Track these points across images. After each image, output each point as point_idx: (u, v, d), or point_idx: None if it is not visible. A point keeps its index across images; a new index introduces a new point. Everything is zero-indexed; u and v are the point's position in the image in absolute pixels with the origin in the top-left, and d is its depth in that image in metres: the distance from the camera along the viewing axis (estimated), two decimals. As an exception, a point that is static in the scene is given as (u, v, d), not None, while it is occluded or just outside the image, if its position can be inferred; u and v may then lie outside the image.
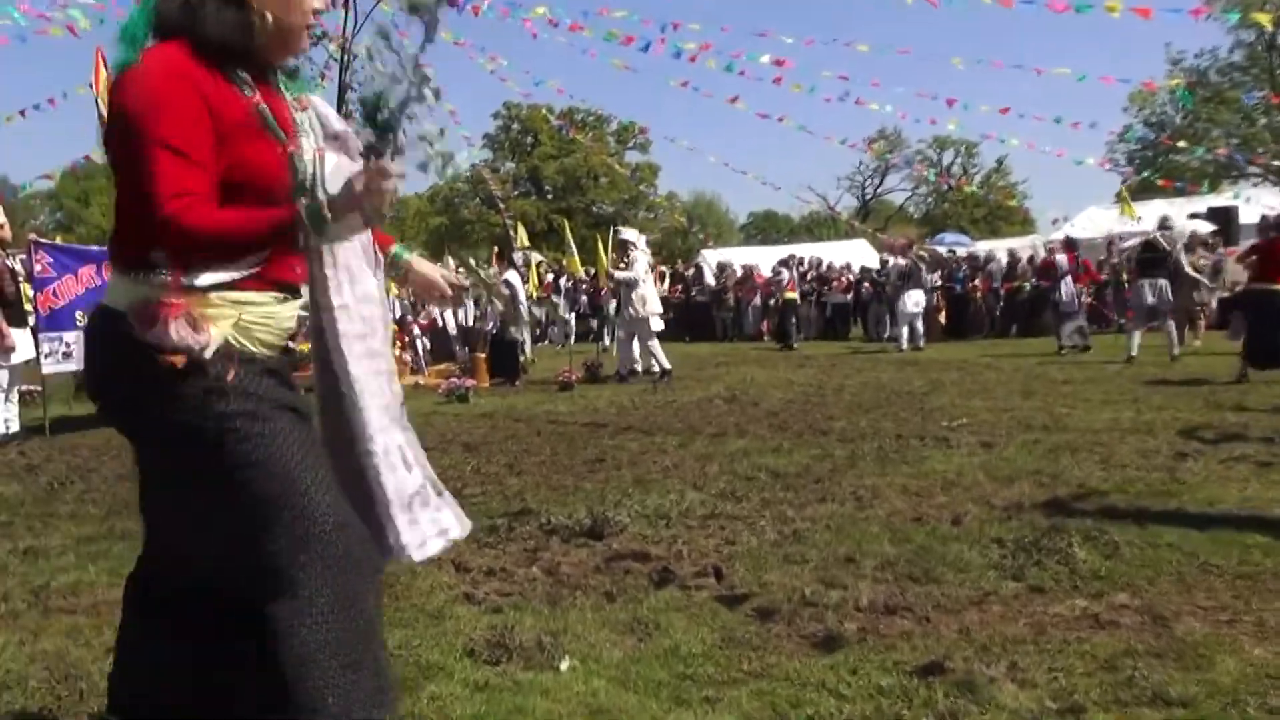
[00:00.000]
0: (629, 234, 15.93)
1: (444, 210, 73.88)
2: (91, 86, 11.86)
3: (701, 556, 5.06)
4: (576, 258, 18.49)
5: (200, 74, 2.39)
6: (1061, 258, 19.13)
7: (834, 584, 4.54)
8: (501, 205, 30.20)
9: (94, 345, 2.55)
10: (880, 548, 5.08)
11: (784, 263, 28.44)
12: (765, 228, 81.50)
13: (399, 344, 16.96)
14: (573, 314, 25.69)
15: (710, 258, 32.56)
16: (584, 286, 29.29)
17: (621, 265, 15.61)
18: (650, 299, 15.11)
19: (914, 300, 20.66)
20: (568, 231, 18.55)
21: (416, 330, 18.80)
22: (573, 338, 24.42)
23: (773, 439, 8.78)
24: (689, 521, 5.80)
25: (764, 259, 30.64)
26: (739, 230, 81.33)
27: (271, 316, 2.61)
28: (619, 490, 6.72)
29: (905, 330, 20.14)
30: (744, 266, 28.58)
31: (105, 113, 8.51)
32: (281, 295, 2.63)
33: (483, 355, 16.21)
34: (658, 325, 15.23)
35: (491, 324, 16.49)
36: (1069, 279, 18.64)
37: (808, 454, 7.93)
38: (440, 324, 19.78)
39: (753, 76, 15.87)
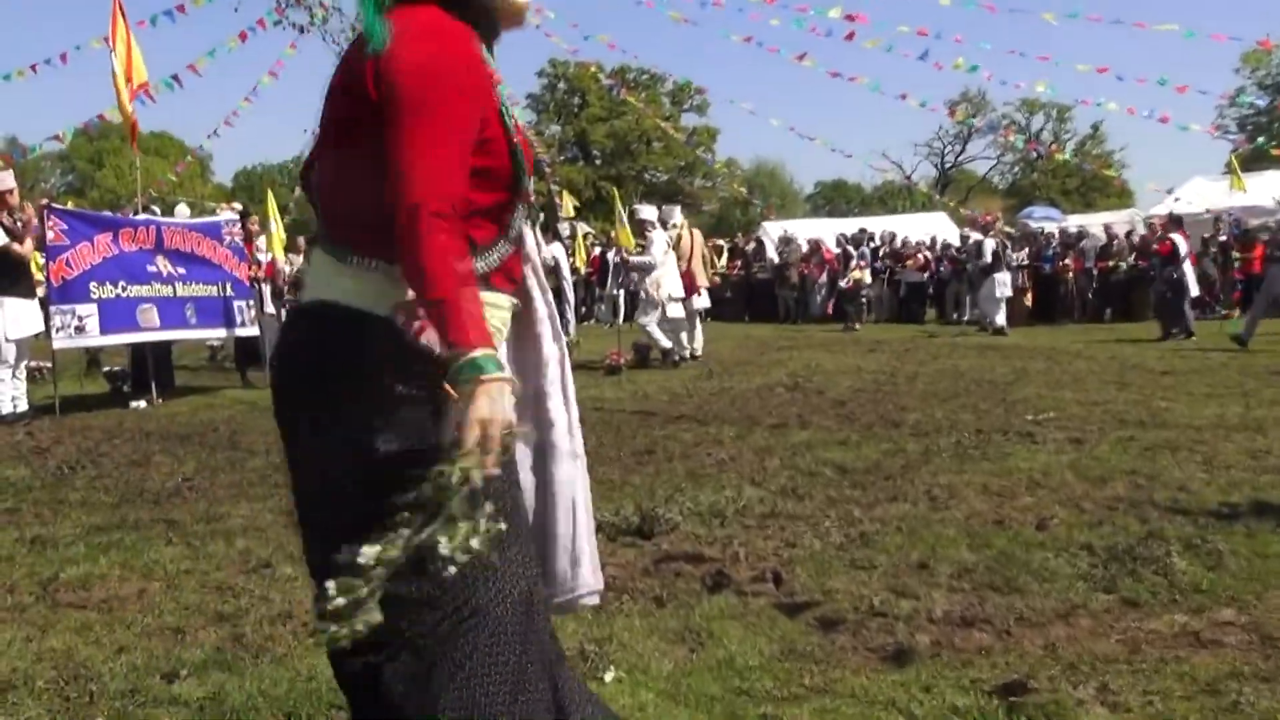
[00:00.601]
0: (647, 211, 15.77)
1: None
2: (107, 40, 12.02)
3: (760, 559, 5.05)
4: (627, 229, 18.32)
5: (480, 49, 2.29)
6: (1178, 238, 18.76)
7: (905, 593, 4.51)
8: (546, 171, 30.13)
9: (327, 348, 2.27)
10: (957, 553, 5.05)
11: (853, 238, 28.29)
12: (833, 198, 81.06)
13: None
14: (621, 290, 25.60)
15: (772, 231, 32.47)
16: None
17: (638, 248, 15.60)
18: (666, 282, 15.02)
19: (1001, 282, 20.47)
20: (618, 200, 18.41)
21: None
22: (621, 316, 24.38)
23: (839, 431, 8.74)
24: (746, 520, 5.80)
25: (831, 232, 30.46)
26: (804, 201, 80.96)
27: (506, 325, 2.47)
28: (670, 485, 6.72)
29: (1001, 311, 20.13)
30: (809, 241, 28.44)
31: (120, 69, 8.58)
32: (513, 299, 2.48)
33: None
34: (675, 311, 15.12)
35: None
36: (1188, 260, 18.43)
37: (877, 448, 7.88)
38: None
39: (822, 32, 15.67)
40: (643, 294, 15.22)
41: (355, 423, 2.18)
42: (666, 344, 14.92)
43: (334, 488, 2.21)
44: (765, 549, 5.23)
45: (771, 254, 29.25)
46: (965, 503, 6.08)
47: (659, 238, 15.17)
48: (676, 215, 16.59)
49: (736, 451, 7.92)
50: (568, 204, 21.37)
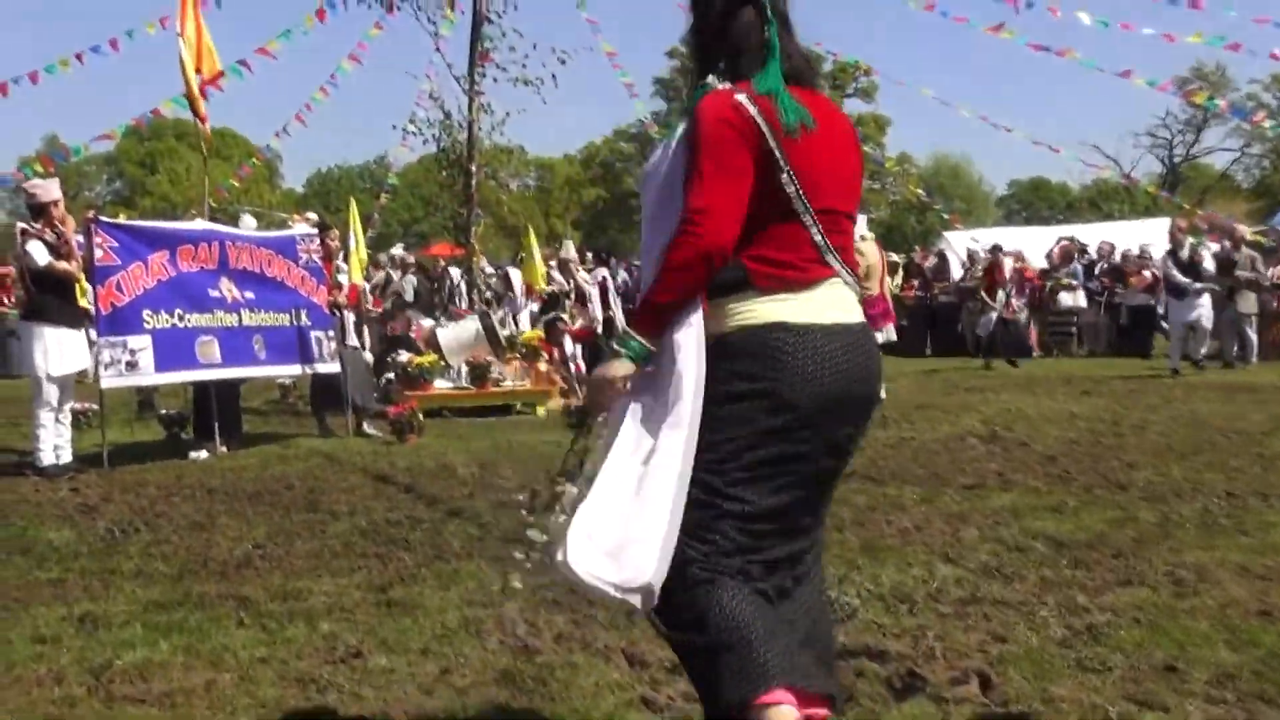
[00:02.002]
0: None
1: (602, 178, 75.02)
2: (162, 23, 12.40)
3: (960, 656, 4.98)
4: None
5: None
6: None
7: (1149, 702, 4.41)
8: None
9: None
10: (1213, 653, 4.92)
11: (1063, 252, 27.78)
12: (1032, 201, 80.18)
13: (547, 356, 17.27)
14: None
15: (956, 242, 31.99)
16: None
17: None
18: None
19: (1246, 304, 19.97)
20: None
21: (570, 343, 19.06)
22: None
23: (1050, 494, 8.59)
24: (941, 607, 5.73)
25: (1031, 243, 29.94)
26: (995, 205, 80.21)
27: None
28: (843, 561, 6.69)
29: (1197, 342, 19.60)
30: (1005, 253, 28.04)
31: (189, 58, 8.88)
32: None
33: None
34: None
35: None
36: None
37: (1101, 516, 7.73)
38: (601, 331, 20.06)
39: (1023, -3, 15.51)
40: None
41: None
42: None
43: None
44: (966, 643, 5.15)
45: (956, 270, 28.86)
46: (1219, 587, 5.92)
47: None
48: (862, 224, 16.59)
49: (923, 518, 7.83)
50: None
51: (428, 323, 17.45)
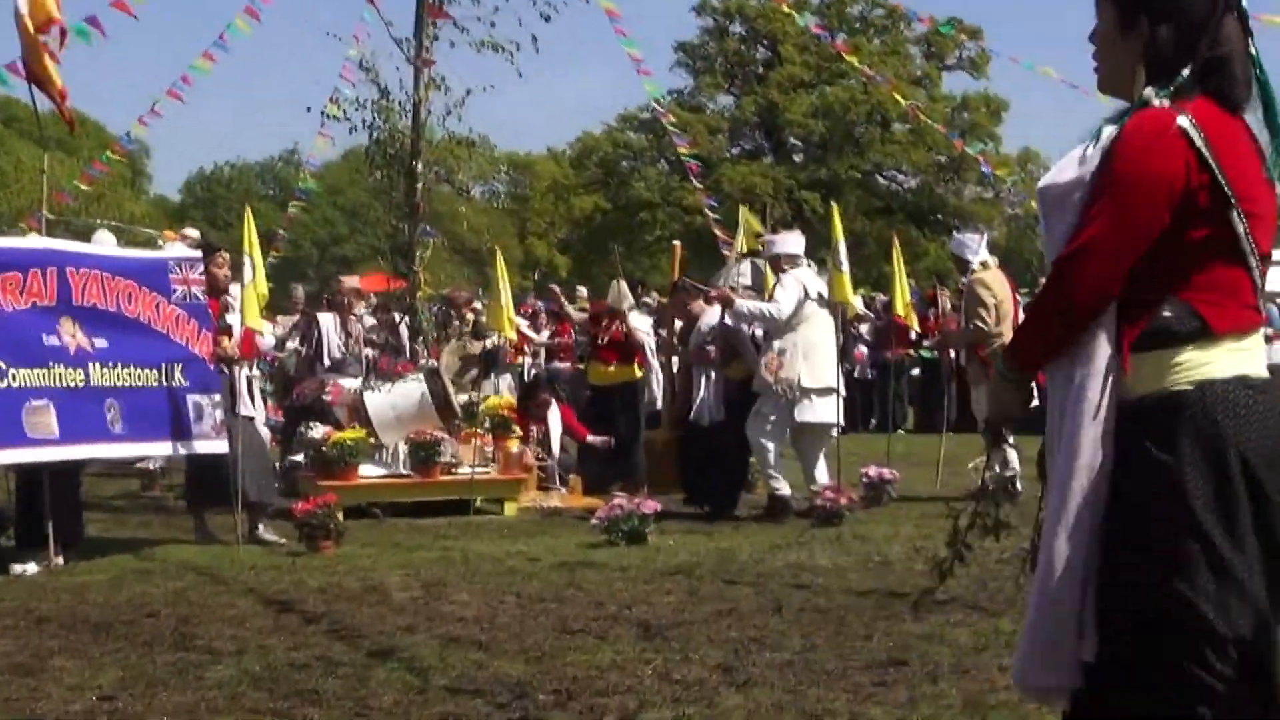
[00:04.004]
0: (789, 243, 16.09)
1: (602, 182, 75.12)
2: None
3: None
4: (846, 274, 17.83)
5: None
6: None
7: None
8: (695, 174, 30.06)
9: None
10: None
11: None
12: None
13: (521, 433, 17.21)
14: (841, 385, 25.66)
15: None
16: (869, 325, 29.54)
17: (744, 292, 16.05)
18: (798, 358, 14.97)
19: None
20: (837, 222, 18.19)
21: (555, 413, 18.92)
22: (839, 423, 24.18)
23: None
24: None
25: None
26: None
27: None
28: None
29: None
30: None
31: (23, 4, 8.90)
32: None
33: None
34: (818, 414, 15.15)
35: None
36: None
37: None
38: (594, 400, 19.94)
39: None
40: (762, 380, 15.16)
41: None
42: (780, 484, 15.14)
43: None
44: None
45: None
46: None
47: (792, 284, 15.29)
48: (980, 249, 16.69)
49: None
50: (746, 231, 21.19)
51: (350, 383, 17.23)
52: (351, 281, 22.29)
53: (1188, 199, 3.82)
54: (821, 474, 15.38)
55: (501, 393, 20.23)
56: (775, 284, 15.72)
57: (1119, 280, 3.84)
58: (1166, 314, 3.83)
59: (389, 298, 21.04)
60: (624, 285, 19.84)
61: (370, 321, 21.29)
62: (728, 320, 15.61)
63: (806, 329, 15.29)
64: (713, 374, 15.89)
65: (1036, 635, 4.10)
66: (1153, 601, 3.82)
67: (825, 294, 15.67)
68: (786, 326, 15.10)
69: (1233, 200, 3.80)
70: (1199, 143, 3.77)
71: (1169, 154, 3.75)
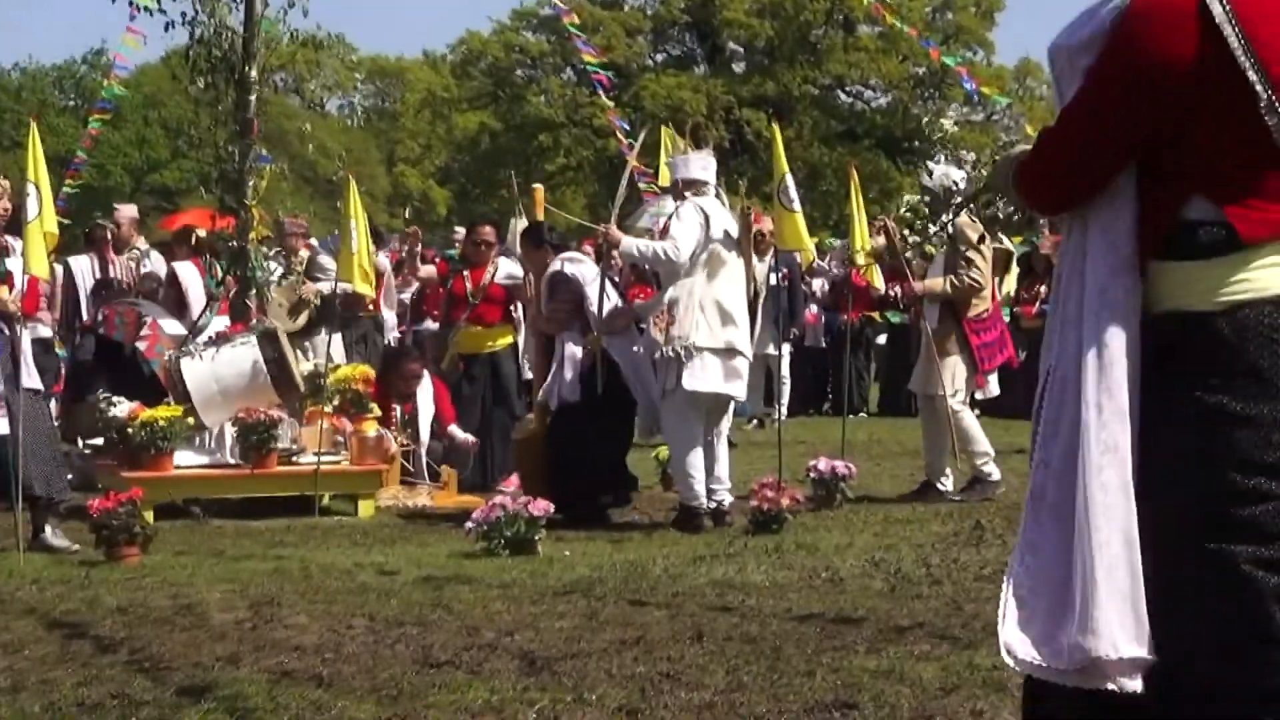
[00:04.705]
0: (695, 166, 15.72)
1: (492, 96, 75.00)
2: None
3: None
4: (799, 213, 17.68)
5: None
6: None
7: None
8: (606, 89, 29.98)
9: None
10: None
11: None
12: None
13: (381, 414, 17.15)
14: (786, 349, 25.61)
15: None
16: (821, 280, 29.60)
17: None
18: (693, 313, 14.83)
19: None
20: (779, 147, 18.24)
21: (427, 388, 18.85)
22: (784, 406, 24.35)
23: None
24: None
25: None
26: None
27: None
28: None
29: None
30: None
31: None
32: None
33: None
34: (710, 381, 14.90)
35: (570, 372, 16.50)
36: None
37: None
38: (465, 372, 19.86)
39: None
40: (654, 341, 15.03)
41: None
42: (696, 490, 14.99)
43: None
44: None
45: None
46: None
47: (691, 216, 15.00)
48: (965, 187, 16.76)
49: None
50: (669, 144, 21.30)
51: (173, 327, 17.03)
52: (128, 211, 22.16)
53: (1203, 85, 3.91)
54: (721, 467, 15.28)
55: (326, 356, 19.04)
56: (671, 216, 15.44)
57: (1100, 169, 4.07)
58: (1190, 217, 3.94)
59: (217, 239, 20.78)
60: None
61: (155, 265, 20.99)
62: (618, 261, 15.54)
63: (707, 275, 14.97)
64: (569, 344, 15.76)
65: (1116, 601, 4.27)
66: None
67: (734, 232, 15.39)
68: (682, 271, 14.79)
69: (1262, 90, 3.88)
70: (1221, 18, 3.83)
71: (1176, 34, 3.85)
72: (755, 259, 17.42)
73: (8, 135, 78.47)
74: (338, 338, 19.61)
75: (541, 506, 13.51)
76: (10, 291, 13.78)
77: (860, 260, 19.39)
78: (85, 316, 18.39)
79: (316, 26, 18.28)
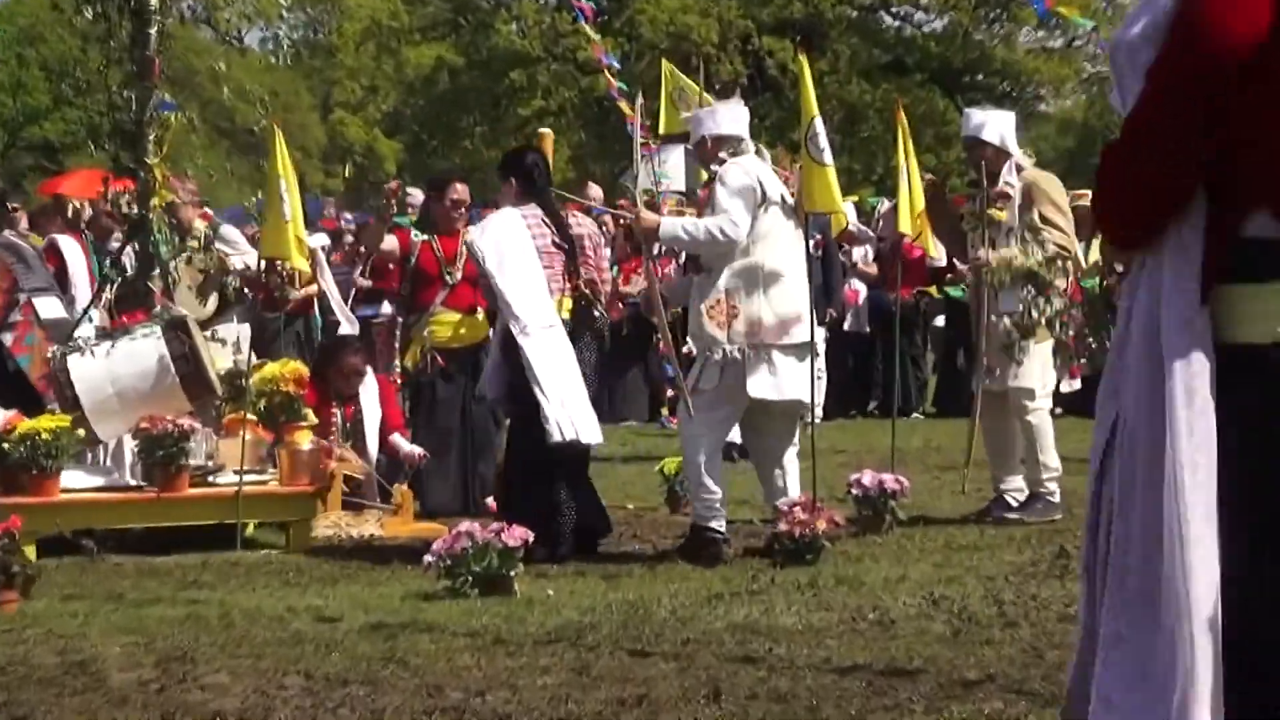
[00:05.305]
0: (723, 118, 15.56)
1: (451, 26, 75.40)
2: None
3: None
4: (830, 167, 17.64)
5: None
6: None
7: None
8: (588, 17, 30.06)
9: None
10: None
11: None
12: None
13: (318, 421, 17.10)
14: (822, 335, 25.66)
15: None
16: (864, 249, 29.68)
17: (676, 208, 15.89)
18: (753, 297, 14.69)
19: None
20: (808, 84, 18.30)
21: (372, 388, 18.85)
22: (820, 406, 24.36)
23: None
24: None
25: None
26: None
27: None
28: None
29: None
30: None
31: None
32: None
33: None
34: (784, 387, 14.67)
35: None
36: None
37: None
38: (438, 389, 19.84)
39: None
40: (710, 339, 14.76)
41: None
42: (715, 508, 14.84)
43: None
44: None
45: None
46: None
47: (738, 178, 14.86)
48: (1007, 134, 16.72)
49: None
50: (675, 100, 21.46)
51: (54, 310, 17.00)
52: None
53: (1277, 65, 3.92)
54: (793, 484, 15.12)
55: (248, 350, 18.58)
56: (712, 182, 15.08)
57: (1179, 182, 4.05)
58: (1250, 234, 3.94)
59: (114, 203, 20.73)
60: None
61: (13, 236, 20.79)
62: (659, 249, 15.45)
63: (765, 252, 14.76)
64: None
65: (1201, 683, 4.29)
66: None
67: (788, 196, 15.26)
68: (737, 250, 14.51)
69: None
70: None
71: (1248, 8, 3.85)
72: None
73: None
74: (246, 327, 19.39)
75: (518, 535, 13.40)
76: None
77: (905, 228, 18.74)
78: None
79: (231, -58, 18.25)
